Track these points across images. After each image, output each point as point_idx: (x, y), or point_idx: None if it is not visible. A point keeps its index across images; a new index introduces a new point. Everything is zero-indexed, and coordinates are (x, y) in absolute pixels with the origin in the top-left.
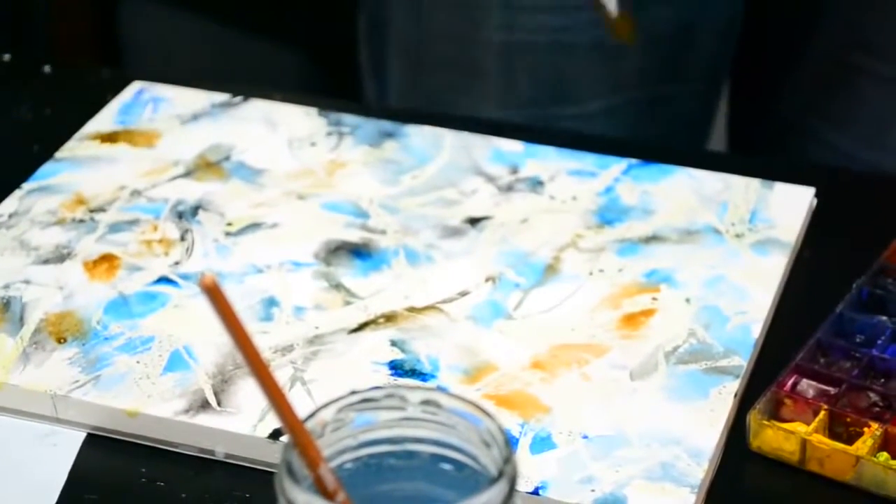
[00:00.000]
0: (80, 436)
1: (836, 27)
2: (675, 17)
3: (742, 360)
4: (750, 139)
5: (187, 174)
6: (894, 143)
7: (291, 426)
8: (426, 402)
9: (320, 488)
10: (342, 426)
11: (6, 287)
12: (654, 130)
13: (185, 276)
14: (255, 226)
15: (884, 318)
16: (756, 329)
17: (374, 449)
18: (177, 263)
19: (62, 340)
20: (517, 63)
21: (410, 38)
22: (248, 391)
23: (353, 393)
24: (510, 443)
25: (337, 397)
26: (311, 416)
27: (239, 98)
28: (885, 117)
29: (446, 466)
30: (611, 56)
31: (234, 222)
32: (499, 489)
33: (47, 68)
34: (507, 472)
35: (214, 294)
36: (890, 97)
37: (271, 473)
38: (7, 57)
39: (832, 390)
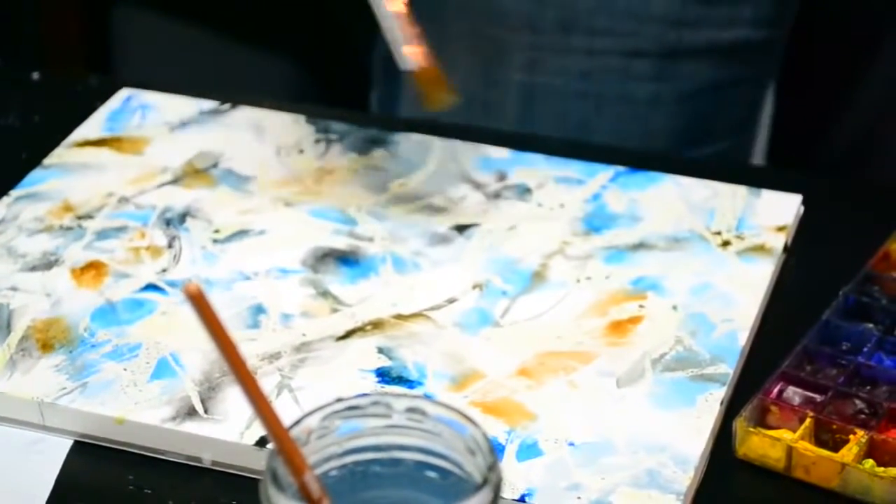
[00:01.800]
0: (67, 443)
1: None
2: (710, 74)
3: (728, 368)
4: (794, 160)
5: (175, 181)
6: None
7: (276, 434)
8: (411, 410)
9: (305, 495)
10: (327, 433)
11: None
12: None
13: (172, 284)
14: (242, 233)
15: (870, 325)
16: (742, 336)
17: (359, 456)
18: (164, 270)
19: (49, 347)
20: (538, 107)
21: None
22: (234, 398)
23: (339, 400)
24: (495, 450)
25: (322, 405)
26: (297, 423)
27: (227, 105)
28: None
29: (431, 474)
30: (640, 112)
31: (221, 229)
32: (483, 496)
33: (36, 75)
34: (492, 480)
35: (199, 302)
36: None
37: (258, 480)
38: None
39: (818, 397)
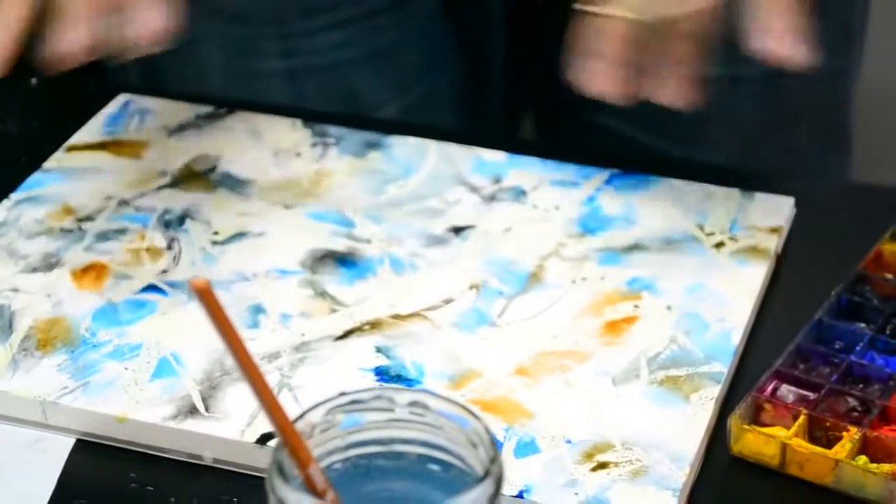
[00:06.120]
0: (70, 441)
1: None
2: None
3: (723, 367)
4: (555, 128)
5: (174, 184)
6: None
7: (281, 427)
8: (414, 404)
9: (310, 487)
10: (331, 427)
11: None
12: (460, 117)
13: (172, 284)
14: (241, 235)
15: (862, 324)
16: (736, 336)
17: (362, 450)
18: (164, 272)
19: (51, 347)
20: (304, 87)
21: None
22: (235, 396)
23: (342, 394)
24: (496, 443)
25: (326, 399)
26: (301, 417)
27: (224, 110)
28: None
29: (433, 467)
30: (390, 59)
31: (220, 231)
32: (485, 488)
33: (34, 81)
34: (494, 472)
35: (206, 296)
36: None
37: (259, 478)
38: None
39: (812, 395)
